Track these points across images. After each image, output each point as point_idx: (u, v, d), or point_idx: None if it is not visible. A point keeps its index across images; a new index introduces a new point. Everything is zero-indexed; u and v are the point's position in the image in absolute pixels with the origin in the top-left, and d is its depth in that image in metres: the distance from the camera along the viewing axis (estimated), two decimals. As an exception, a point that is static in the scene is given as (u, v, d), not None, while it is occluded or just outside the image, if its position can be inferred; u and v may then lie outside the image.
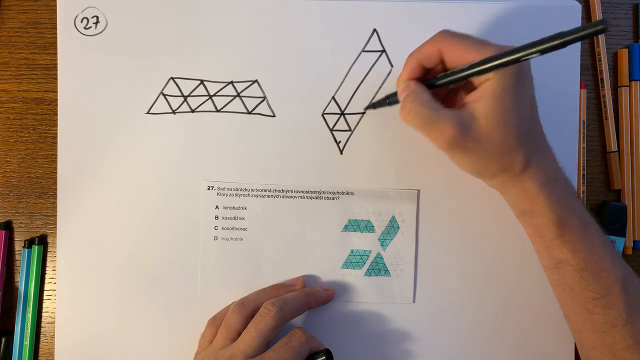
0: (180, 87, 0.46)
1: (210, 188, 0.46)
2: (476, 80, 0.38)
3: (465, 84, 0.40)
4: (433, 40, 0.38)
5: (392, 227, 0.46)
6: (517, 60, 0.34)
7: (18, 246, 0.47)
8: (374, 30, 0.46)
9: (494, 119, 0.36)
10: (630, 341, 0.37)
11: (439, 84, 0.39)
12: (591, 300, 0.38)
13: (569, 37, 0.31)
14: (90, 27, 0.46)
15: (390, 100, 0.42)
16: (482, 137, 0.37)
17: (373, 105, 0.45)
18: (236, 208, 0.46)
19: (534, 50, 0.33)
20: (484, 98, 0.37)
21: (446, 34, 0.38)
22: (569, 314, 0.41)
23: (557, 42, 0.31)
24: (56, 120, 0.46)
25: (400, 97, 0.39)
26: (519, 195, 0.39)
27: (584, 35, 0.30)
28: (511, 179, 0.39)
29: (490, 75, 0.36)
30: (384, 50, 0.46)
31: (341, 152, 0.46)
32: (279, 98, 0.46)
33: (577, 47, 0.47)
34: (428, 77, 0.40)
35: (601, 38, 0.48)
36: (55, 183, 0.46)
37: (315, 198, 0.46)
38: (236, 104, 0.46)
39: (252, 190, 0.46)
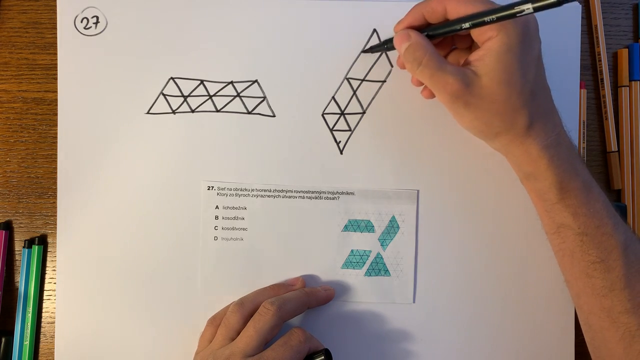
0: (180, 87, 0.46)
1: (210, 188, 0.46)
2: (480, 39, 0.38)
3: (469, 44, 0.41)
4: None
5: (392, 227, 0.46)
6: (512, 15, 0.34)
7: (18, 246, 0.47)
8: (374, 30, 0.46)
9: (496, 77, 0.37)
10: (628, 305, 0.37)
11: (436, 34, 0.39)
12: (591, 264, 0.38)
13: None
14: (90, 27, 0.46)
15: (388, 45, 0.43)
16: (484, 95, 0.37)
17: (371, 49, 0.45)
18: (236, 208, 0.46)
19: (530, 6, 0.32)
20: (486, 56, 0.37)
21: None
22: (569, 278, 0.41)
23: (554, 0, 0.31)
24: (56, 120, 0.46)
25: (400, 45, 0.39)
26: (523, 157, 0.39)
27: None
28: (514, 140, 0.39)
29: (493, 34, 0.37)
30: (384, 50, 0.46)
31: (341, 152, 0.46)
32: (279, 98, 0.46)
33: (577, 47, 0.47)
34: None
35: (601, 38, 0.48)
36: (55, 183, 0.46)
37: (315, 198, 0.46)
38: (236, 104, 0.46)
39: (252, 190, 0.46)
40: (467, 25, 0.36)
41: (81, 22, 0.46)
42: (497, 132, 0.39)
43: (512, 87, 0.37)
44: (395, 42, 0.40)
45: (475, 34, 0.38)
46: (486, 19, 0.35)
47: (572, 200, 0.38)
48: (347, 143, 0.46)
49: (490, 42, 0.37)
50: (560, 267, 0.41)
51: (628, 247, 0.38)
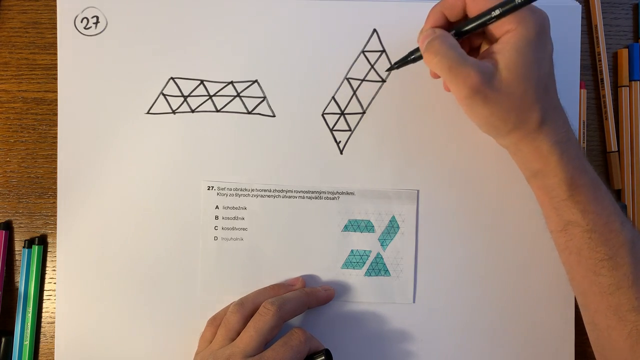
0: (180, 87, 0.46)
1: (210, 188, 0.46)
2: (497, 32, 0.38)
3: (487, 37, 0.40)
4: None
5: (392, 227, 0.46)
6: None
7: (18, 246, 0.47)
8: (374, 30, 0.46)
9: (516, 71, 0.37)
10: (635, 302, 0.37)
11: (464, 31, 0.39)
12: (598, 262, 0.38)
13: None
14: (90, 27, 0.46)
15: (415, 56, 0.41)
16: (503, 89, 0.37)
17: (397, 65, 0.43)
18: (236, 208, 0.46)
19: None
20: (506, 50, 0.37)
21: None
22: (574, 277, 0.40)
23: None
24: (56, 120, 0.46)
25: (424, 42, 0.39)
26: (532, 154, 0.39)
27: None
28: (525, 137, 0.38)
29: (511, 27, 0.37)
30: (384, 50, 0.46)
31: (341, 152, 0.46)
32: (279, 98, 0.46)
33: (577, 47, 0.47)
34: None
35: (601, 38, 0.48)
36: (55, 183, 0.46)
37: (315, 198, 0.46)
38: (236, 104, 0.46)
39: (252, 190, 0.46)
40: (496, 12, 0.36)
41: (81, 22, 0.46)
42: (510, 129, 0.38)
43: (529, 81, 0.37)
44: (419, 41, 0.39)
45: (492, 27, 0.38)
46: (517, 0, 0.35)
47: (581, 197, 0.38)
48: (347, 143, 0.46)
49: (509, 35, 0.37)
50: (565, 266, 0.41)
51: (635, 244, 0.37)
